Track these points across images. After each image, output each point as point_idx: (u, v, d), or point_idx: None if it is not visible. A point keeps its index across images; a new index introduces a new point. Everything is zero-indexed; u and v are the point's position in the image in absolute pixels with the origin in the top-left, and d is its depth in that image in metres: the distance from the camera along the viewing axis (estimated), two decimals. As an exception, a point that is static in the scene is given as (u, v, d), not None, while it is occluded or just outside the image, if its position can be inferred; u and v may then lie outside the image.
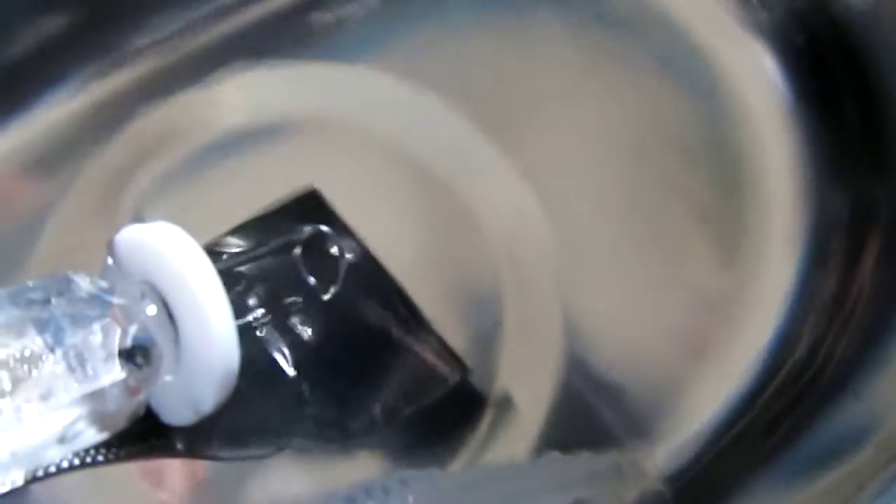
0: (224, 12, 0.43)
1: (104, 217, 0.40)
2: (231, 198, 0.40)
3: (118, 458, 0.31)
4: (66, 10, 0.41)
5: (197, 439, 0.32)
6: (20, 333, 0.28)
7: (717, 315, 0.38)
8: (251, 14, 0.43)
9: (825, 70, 0.39)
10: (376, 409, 0.35)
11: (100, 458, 0.30)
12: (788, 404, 0.36)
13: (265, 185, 0.40)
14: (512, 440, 0.36)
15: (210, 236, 0.36)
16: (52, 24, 0.41)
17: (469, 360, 0.37)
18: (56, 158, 0.41)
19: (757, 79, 0.40)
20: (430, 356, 0.36)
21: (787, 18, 0.40)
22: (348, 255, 0.36)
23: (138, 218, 0.40)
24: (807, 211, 0.38)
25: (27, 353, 0.28)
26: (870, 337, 0.36)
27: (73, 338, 0.28)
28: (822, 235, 0.38)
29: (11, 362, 0.27)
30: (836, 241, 0.38)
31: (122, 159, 0.41)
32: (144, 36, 0.42)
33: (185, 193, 0.40)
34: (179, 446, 0.32)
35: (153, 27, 0.42)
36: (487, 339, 0.38)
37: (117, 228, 0.39)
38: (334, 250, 0.35)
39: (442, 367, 0.36)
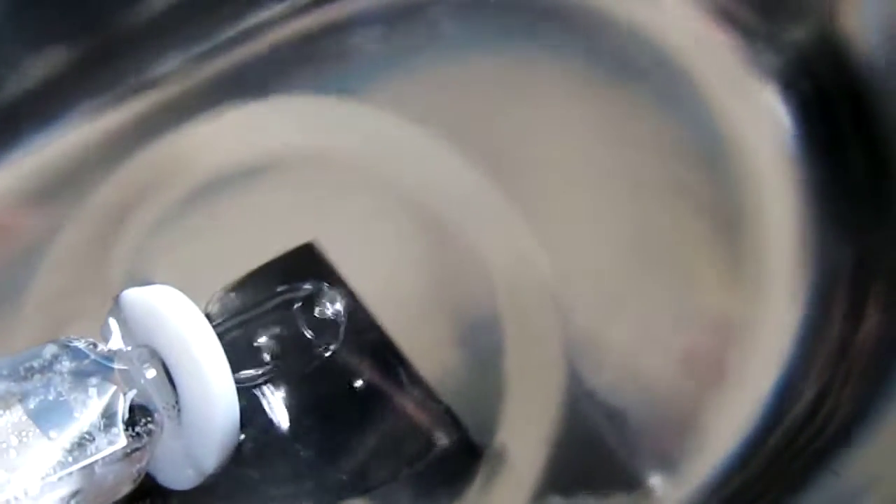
0: (224, 48, 0.42)
1: (101, 254, 0.40)
2: (230, 234, 0.40)
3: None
4: (66, 47, 0.41)
5: (194, 500, 0.32)
6: (13, 405, 0.28)
7: (724, 354, 0.37)
8: (250, 50, 0.42)
9: (831, 117, 0.39)
10: (370, 469, 0.35)
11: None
12: (798, 449, 0.36)
13: (263, 222, 0.39)
14: (511, 490, 0.36)
15: (207, 274, 0.37)
16: (53, 62, 0.41)
17: (469, 406, 0.36)
18: (54, 194, 0.41)
19: (762, 123, 0.39)
20: (423, 417, 0.36)
21: (795, 64, 0.39)
22: (344, 311, 0.36)
23: (136, 259, 0.39)
24: (810, 258, 0.38)
25: (24, 426, 0.27)
26: (874, 387, 0.36)
27: (73, 407, 0.28)
28: (825, 283, 0.38)
29: (9, 436, 0.27)
30: (840, 289, 0.38)
31: (120, 195, 0.40)
32: (144, 72, 0.42)
33: (184, 230, 0.40)
34: (176, 507, 0.32)
35: (153, 63, 0.42)
36: (489, 384, 0.37)
37: (114, 267, 0.40)
38: (333, 308, 0.35)
39: (435, 429, 0.36)
